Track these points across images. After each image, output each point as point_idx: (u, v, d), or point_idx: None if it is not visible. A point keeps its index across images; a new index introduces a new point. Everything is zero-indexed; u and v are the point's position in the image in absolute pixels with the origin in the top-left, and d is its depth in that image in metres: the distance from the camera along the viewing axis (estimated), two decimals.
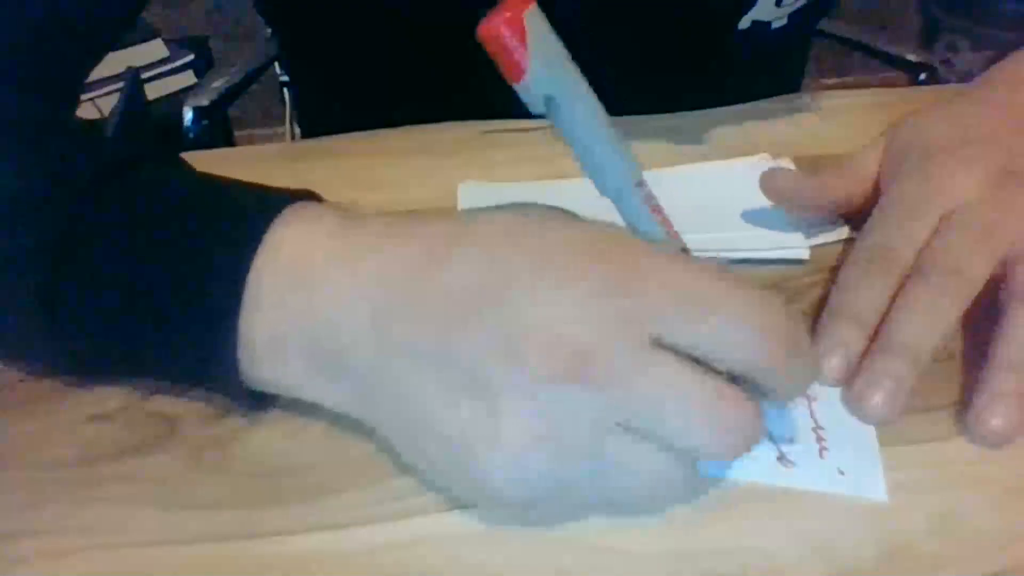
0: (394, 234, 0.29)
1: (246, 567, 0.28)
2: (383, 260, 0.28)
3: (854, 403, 0.33)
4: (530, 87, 0.25)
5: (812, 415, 0.33)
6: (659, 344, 0.26)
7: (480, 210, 0.29)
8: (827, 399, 0.34)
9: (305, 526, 0.29)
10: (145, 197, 0.31)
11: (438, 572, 0.28)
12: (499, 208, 0.29)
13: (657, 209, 0.29)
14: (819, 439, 0.32)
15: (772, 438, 0.32)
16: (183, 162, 0.34)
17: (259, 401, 0.32)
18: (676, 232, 0.29)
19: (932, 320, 0.33)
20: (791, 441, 0.32)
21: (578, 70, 0.26)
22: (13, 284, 0.31)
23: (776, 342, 0.26)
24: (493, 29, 0.24)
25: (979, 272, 0.34)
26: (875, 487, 0.30)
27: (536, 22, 0.24)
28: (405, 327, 0.27)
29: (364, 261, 0.29)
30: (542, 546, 0.29)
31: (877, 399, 0.32)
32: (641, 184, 0.28)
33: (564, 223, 0.28)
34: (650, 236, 0.29)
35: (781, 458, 0.31)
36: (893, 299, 0.34)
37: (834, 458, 0.31)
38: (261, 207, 0.30)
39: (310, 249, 0.29)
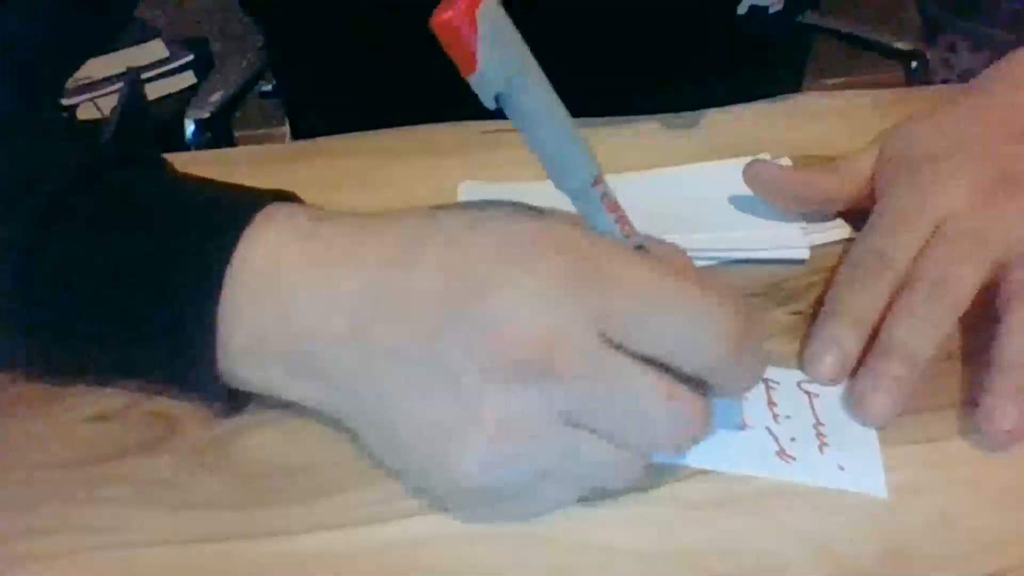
0: (364, 237, 0.29)
1: (246, 567, 0.28)
2: (354, 265, 0.29)
3: (855, 405, 0.33)
4: (480, 82, 0.24)
5: (813, 411, 0.33)
6: (611, 342, 0.26)
7: (445, 207, 0.30)
8: (828, 395, 0.34)
9: (305, 526, 0.29)
10: (121, 199, 0.31)
11: (438, 572, 0.28)
12: (464, 204, 0.30)
13: (614, 207, 0.28)
14: (819, 435, 0.32)
15: (772, 432, 0.32)
16: (165, 162, 0.34)
17: (237, 402, 0.32)
18: (633, 230, 0.29)
19: (927, 327, 0.33)
20: (739, 427, 0.32)
21: (536, 66, 0.25)
22: None
23: (727, 347, 0.27)
24: (443, 21, 0.23)
25: (969, 283, 0.34)
26: (875, 483, 0.30)
27: (491, 15, 0.23)
28: (381, 329, 0.28)
29: (336, 267, 0.29)
30: (541, 546, 0.29)
31: (877, 400, 0.32)
32: (598, 182, 0.28)
33: (525, 217, 0.28)
34: (606, 234, 0.29)
35: (781, 453, 0.31)
36: (886, 303, 0.35)
37: (834, 454, 0.31)
38: (235, 211, 0.30)
39: (282, 255, 0.29)
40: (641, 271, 0.27)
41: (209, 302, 0.29)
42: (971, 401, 0.33)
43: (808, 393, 0.34)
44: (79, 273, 0.30)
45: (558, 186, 0.28)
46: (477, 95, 0.24)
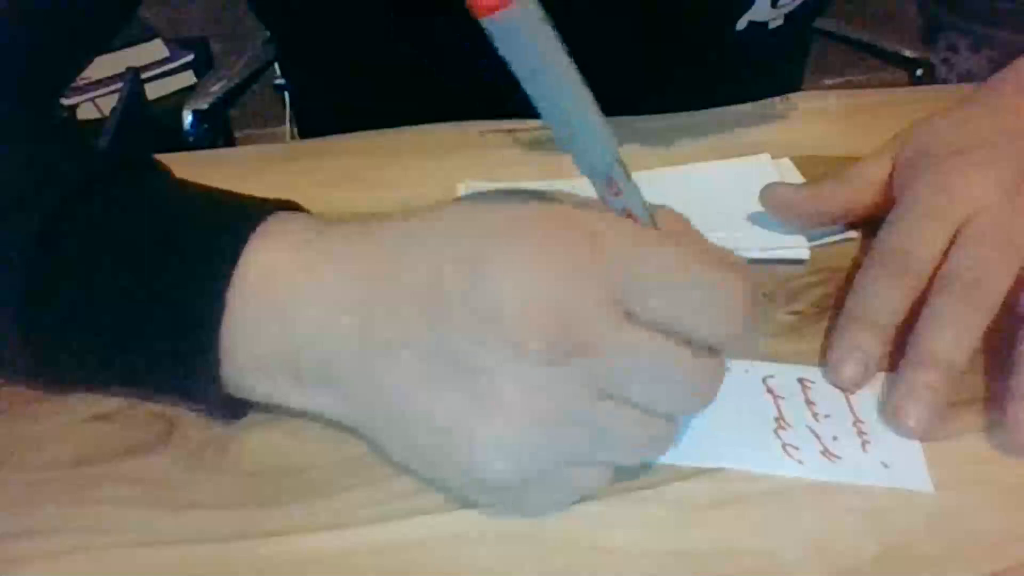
0: (354, 240, 0.30)
1: (246, 567, 0.28)
2: (348, 270, 0.29)
3: (891, 417, 0.32)
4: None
5: (851, 409, 0.33)
6: (627, 314, 0.26)
7: (436, 205, 0.29)
8: (865, 392, 0.34)
9: (305, 526, 0.29)
10: (119, 214, 0.31)
11: (438, 572, 0.28)
12: (459, 199, 0.29)
13: (618, 191, 0.28)
14: (860, 432, 0.32)
15: (814, 432, 0.32)
16: (161, 167, 0.34)
17: (238, 410, 0.32)
18: (644, 217, 0.29)
19: (962, 333, 0.33)
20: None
21: (561, 46, 0.25)
22: None
23: (736, 319, 0.27)
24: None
25: (1002, 284, 0.34)
26: (920, 479, 0.30)
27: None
28: (380, 328, 0.28)
29: (331, 274, 0.29)
30: (542, 546, 0.29)
31: (915, 412, 0.32)
32: (615, 168, 0.27)
33: (528, 197, 0.28)
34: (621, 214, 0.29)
35: (825, 452, 0.31)
36: (910, 304, 0.34)
37: (877, 451, 0.31)
38: (233, 228, 0.30)
39: (279, 270, 0.29)
40: (648, 245, 0.27)
41: (212, 324, 0.29)
42: (970, 401, 0.33)
43: (845, 390, 0.34)
44: (83, 286, 0.30)
45: (578, 165, 0.27)
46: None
